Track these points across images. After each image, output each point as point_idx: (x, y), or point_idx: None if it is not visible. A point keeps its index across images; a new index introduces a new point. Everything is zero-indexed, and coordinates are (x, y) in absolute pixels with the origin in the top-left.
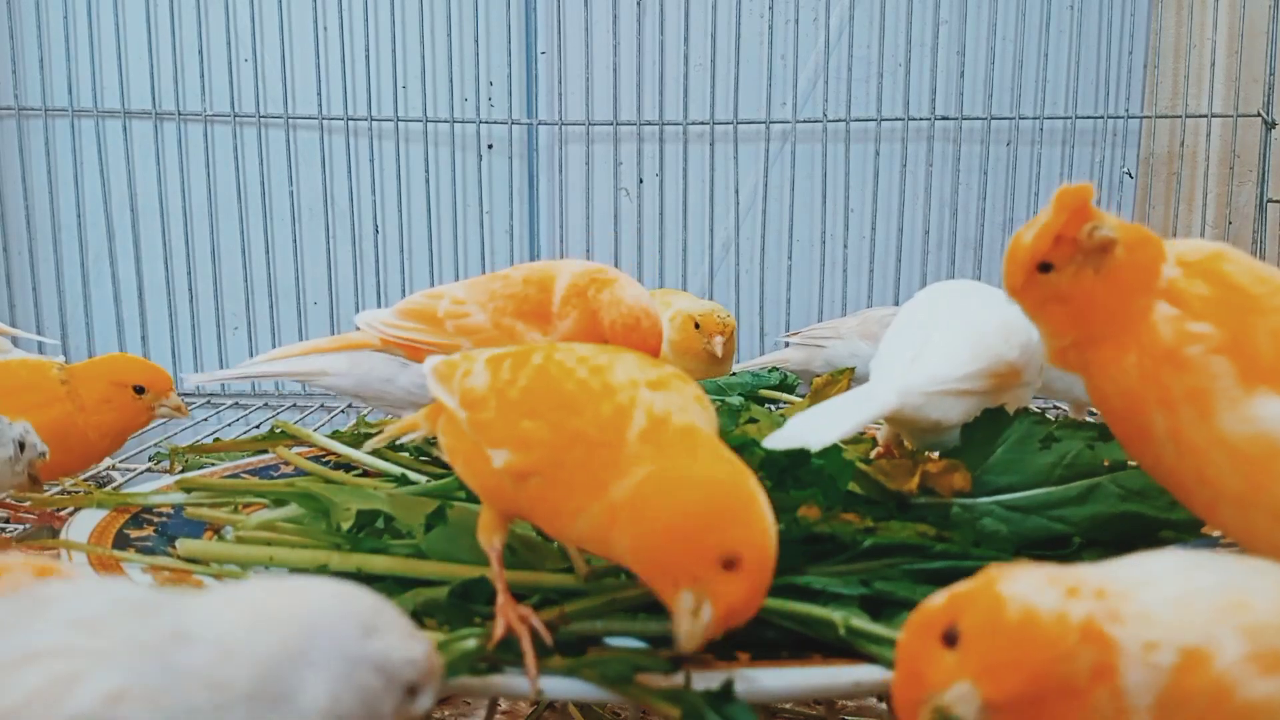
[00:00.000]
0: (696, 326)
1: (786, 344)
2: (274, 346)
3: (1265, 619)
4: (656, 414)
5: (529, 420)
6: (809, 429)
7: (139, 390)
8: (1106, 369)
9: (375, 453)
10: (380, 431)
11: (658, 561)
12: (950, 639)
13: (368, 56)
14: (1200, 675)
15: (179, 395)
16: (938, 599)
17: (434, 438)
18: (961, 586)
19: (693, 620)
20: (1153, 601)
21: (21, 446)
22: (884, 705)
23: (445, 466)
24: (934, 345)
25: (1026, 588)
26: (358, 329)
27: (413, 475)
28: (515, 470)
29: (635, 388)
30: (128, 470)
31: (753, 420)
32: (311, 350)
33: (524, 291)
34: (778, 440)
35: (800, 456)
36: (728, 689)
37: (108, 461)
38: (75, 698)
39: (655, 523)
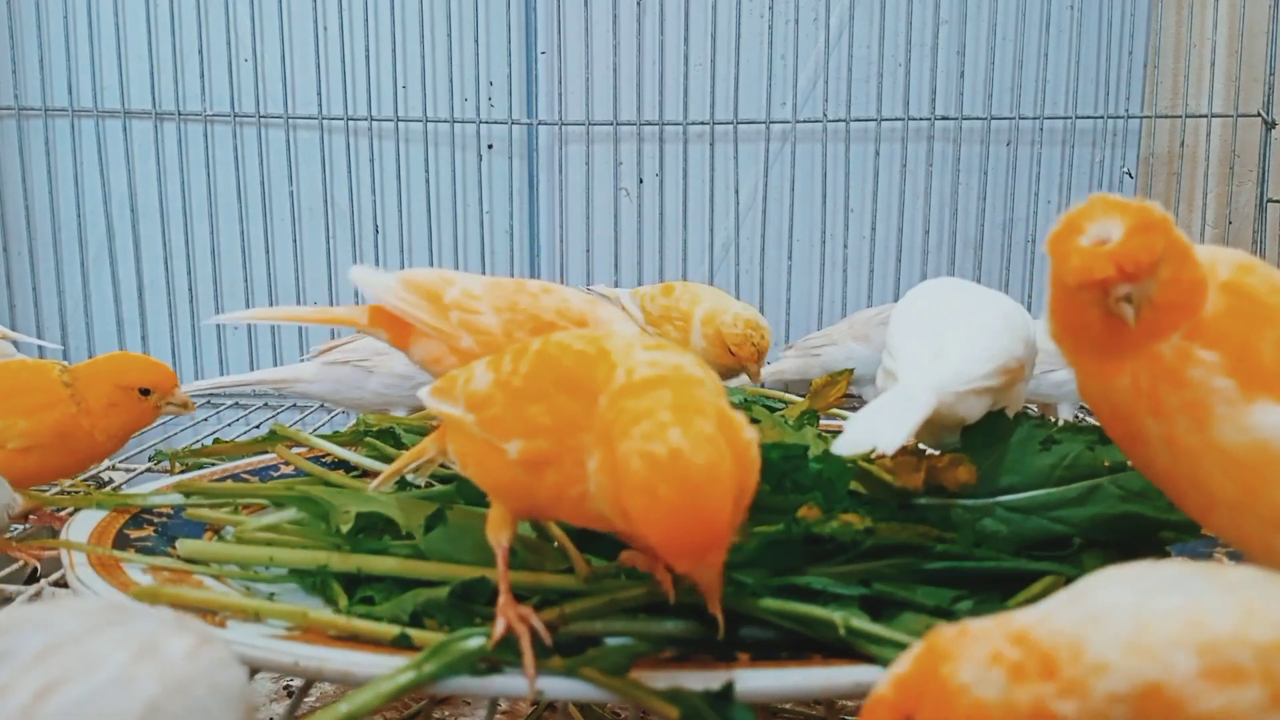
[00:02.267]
0: (731, 353)
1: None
2: (274, 347)
3: (1221, 634)
4: (631, 368)
5: (535, 405)
6: (875, 433)
7: (144, 392)
8: (1095, 380)
9: (374, 452)
10: (374, 428)
11: (620, 520)
12: None
13: (368, 56)
14: (1155, 704)
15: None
16: (885, 688)
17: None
18: (907, 668)
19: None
20: (1106, 645)
21: None
22: None
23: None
24: (953, 345)
25: (972, 675)
26: (357, 299)
27: (411, 477)
28: (528, 458)
29: (630, 351)
30: (128, 470)
31: (754, 421)
32: (295, 317)
33: (551, 320)
34: (844, 446)
35: (799, 460)
36: (728, 690)
37: (107, 461)
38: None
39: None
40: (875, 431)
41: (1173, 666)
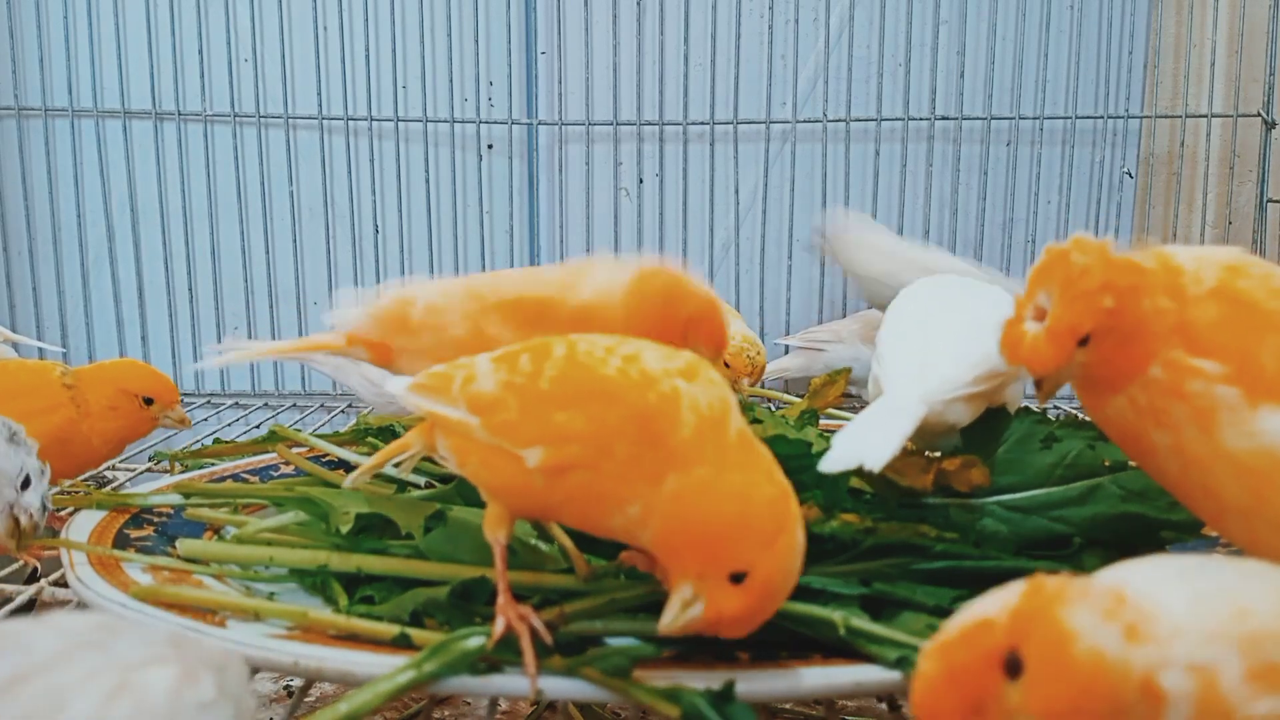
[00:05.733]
0: (726, 365)
1: (786, 349)
2: None
3: (1266, 628)
4: (705, 412)
5: (563, 412)
6: (862, 448)
7: (147, 401)
8: (1094, 409)
9: (373, 450)
10: (374, 428)
11: (676, 550)
12: (1012, 668)
13: (368, 56)
14: (1210, 699)
15: (182, 400)
16: (993, 608)
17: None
18: (1016, 601)
19: (681, 611)
20: (1182, 622)
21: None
22: (884, 705)
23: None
24: (941, 349)
25: (1089, 623)
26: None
27: (409, 477)
28: (553, 466)
29: (671, 378)
30: (128, 470)
31: (756, 421)
32: (275, 353)
33: (519, 292)
34: (832, 463)
35: (803, 459)
36: (729, 689)
37: (107, 461)
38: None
39: (687, 518)
40: (861, 447)
41: (1224, 659)
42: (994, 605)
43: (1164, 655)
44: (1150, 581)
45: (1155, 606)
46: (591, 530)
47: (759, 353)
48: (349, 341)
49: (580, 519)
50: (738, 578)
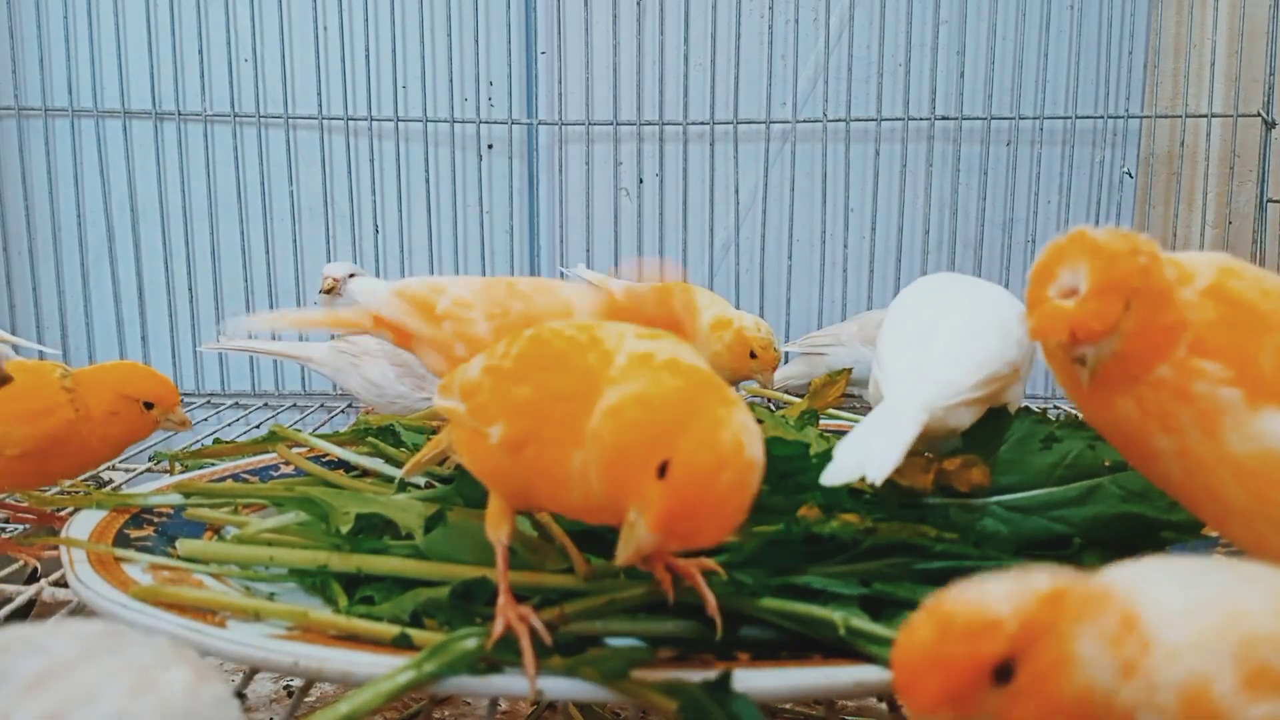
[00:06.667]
0: (753, 356)
1: (786, 357)
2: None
3: (1261, 632)
4: (638, 353)
5: (519, 386)
6: (864, 459)
7: (148, 405)
8: (1101, 412)
9: (373, 449)
10: (374, 428)
11: (610, 483)
12: (1003, 675)
13: (368, 56)
14: (1201, 706)
15: (182, 400)
16: (1004, 606)
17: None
18: (1032, 606)
19: (629, 534)
20: (1180, 642)
21: None
22: (884, 705)
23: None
24: (942, 354)
25: (1092, 652)
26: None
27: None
28: (508, 441)
29: (623, 338)
30: (128, 470)
31: (757, 421)
32: (304, 321)
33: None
34: (834, 475)
35: (800, 460)
36: (725, 679)
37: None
38: None
39: (604, 443)
40: (864, 458)
41: (1217, 664)
42: (1006, 600)
43: (1149, 692)
44: (1160, 593)
45: (1158, 629)
46: (561, 510)
47: (775, 339)
48: (375, 322)
49: (550, 499)
50: (661, 470)
